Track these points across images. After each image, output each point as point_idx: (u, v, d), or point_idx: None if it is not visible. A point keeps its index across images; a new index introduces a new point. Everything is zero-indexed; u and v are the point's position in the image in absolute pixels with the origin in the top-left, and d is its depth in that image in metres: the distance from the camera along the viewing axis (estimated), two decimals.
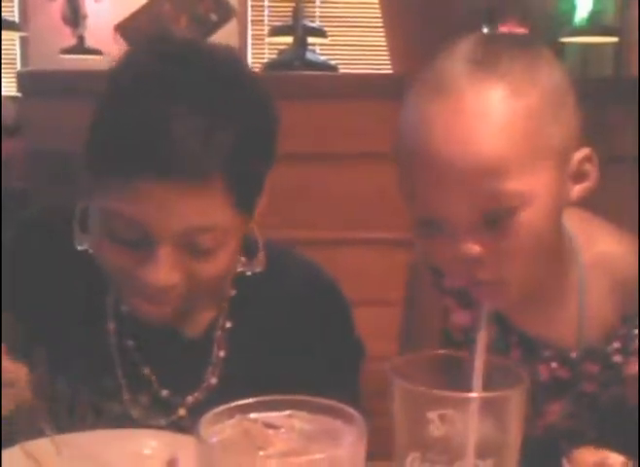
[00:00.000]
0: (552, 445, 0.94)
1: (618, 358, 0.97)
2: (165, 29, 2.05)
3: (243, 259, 0.99)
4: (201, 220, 0.85)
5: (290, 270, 1.05)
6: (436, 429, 0.67)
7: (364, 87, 1.83)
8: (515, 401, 0.69)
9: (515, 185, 0.81)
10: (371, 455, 0.93)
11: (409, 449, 0.68)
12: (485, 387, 0.71)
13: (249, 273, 0.99)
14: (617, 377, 0.98)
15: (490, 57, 0.83)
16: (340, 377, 1.02)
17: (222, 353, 1.00)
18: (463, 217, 0.82)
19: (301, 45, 2.79)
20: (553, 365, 0.99)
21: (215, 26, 2.43)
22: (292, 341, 1.02)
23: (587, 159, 0.87)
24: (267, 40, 3.52)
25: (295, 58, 2.74)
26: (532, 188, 0.82)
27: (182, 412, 0.99)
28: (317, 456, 0.56)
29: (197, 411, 0.97)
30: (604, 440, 0.94)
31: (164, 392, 1.00)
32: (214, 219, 0.86)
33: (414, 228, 0.88)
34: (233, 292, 1.02)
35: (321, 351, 1.03)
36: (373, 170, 1.79)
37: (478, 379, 0.71)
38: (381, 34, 2.65)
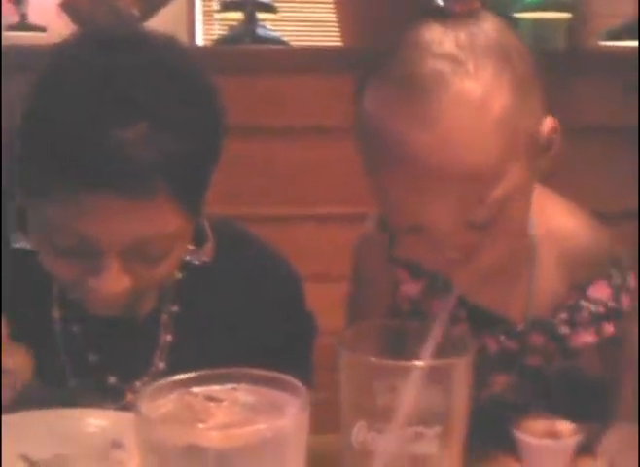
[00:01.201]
0: (498, 415, 0.95)
1: (564, 329, 0.97)
2: (110, 5, 2.00)
3: (191, 247, 0.96)
4: (149, 230, 0.82)
5: (238, 251, 1.03)
6: (382, 398, 0.67)
7: (314, 60, 1.81)
8: (461, 369, 0.69)
9: (500, 189, 0.79)
10: (322, 429, 0.93)
11: (356, 418, 0.68)
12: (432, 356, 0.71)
13: (197, 262, 0.97)
14: (563, 348, 0.99)
15: (462, 53, 0.79)
16: (293, 354, 1.01)
17: (169, 337, 0.99)
18: (446, 225, 0.80)
19: (250, 20, 2.76)
20: (502, 337, 0.99)
21: (163, 1, 2.38)
22: (242, 323, 1.00)
23: (554, 129, 0.85)
24: (218, 16, 3.46)
25: (245, 34, 2.71)
26: (514, 183, 0.80)
27: (130, 397, 0.97)
28: (259, 427, 0.55)
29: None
30: (549, 410, 0.96)
31: (112, 378, 0.97)
32: (162, 227, 0.82)
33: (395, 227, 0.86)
34: (180, 276, 0.99)
35: (273, 330, 1.01)
36: (324, 145, 1.79)
37: (427, 350, 0.71)
38: (332, 9, 2.63)
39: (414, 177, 0.78)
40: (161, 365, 0.98)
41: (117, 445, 0.76)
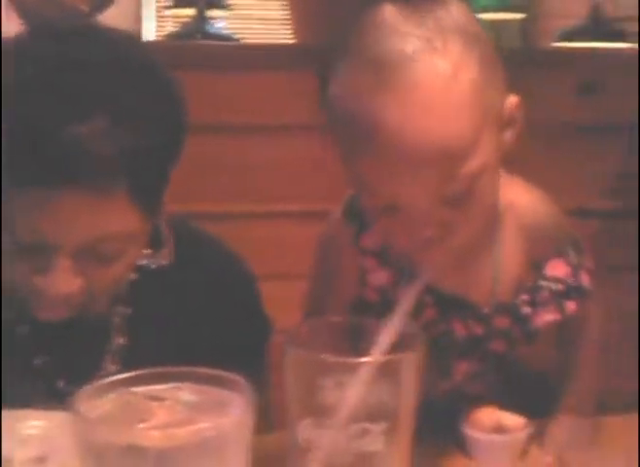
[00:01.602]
0: (453, 409, 0.95)
1: (526, 310, 0.98)
2: (58, 0, 1.95)
3: (148, 251, 0.94)
4: (104, 229, 0.79)
5: (192, 251, 1.01)
6: (328, 395, 0.66)
7: (268, 57, 1.80)
8: (409, 365, 0.68)
9: (474, 163, 0.80)
10: (273, 428, 0.92)
11: (302, 416, 0.67)
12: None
13: (153, 266, 0.95)
14: (526, 331, 1.00)
15: (428, 32, 0.80)
16: (248, 354, 0.99)
17: (121, 340, 0.96)
18: (421, 202, 0.80)
19: (202, 17, 2.75)
20: (469, 322, 0.99)
21: None
22: (196, 324, 0.98)
23: (517, 106, 0.87)
24: (169, 12, 3.42)
25: (196, 31, 2.70)
26: (485, 157, 0.81)
27: None
28: (200, 426, 0.54)
29: None
30: (505, 402, 0.96)
31: (60, 382, 0.94)
32: (118, 226, 0.80)
33: (371, 206, 0.86)
34: (133, 277, 0.96)
35: (227, 331, 1.00)
36: (280, 142, 1.78)
37: (383, 342, 0.70)
38: (285, 7, 2.62)
39: (389, 156, 0.78)
40: (113, 368, 0.95)
41: (41, 460, 0.74)
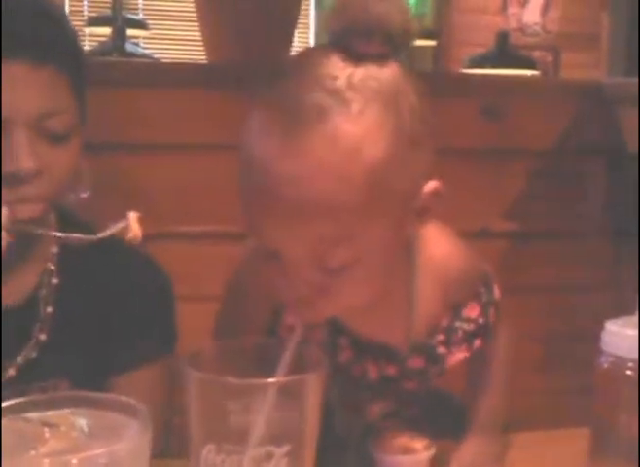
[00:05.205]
0: (367, 441, 0.95)
1: (441, 350, 0.98)
2: None
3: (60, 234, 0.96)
4: (48, 102, 0.89)
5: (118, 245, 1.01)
6: (231, 419, 0.65)
7: (180, 76, 1.79)
8: (312, 385, 0.68)
9: (357, 242, 0.75)
10: (178, 453, 0.90)
11: (205, 441, 0.66)
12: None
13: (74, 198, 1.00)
14: (439, 370, 1.00)
15: (350, 93, 0.74)
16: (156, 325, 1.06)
17: (49, 309, 1.00)
18: (297, 257, 0.76)
19: (119, 36, 2.72)
20: (383, 364, 0.98)
21: None
22: (112, 306, 1.03)
23: (435, 193, 0.80)
24: (86, 30, 3.39)
25: (113, 49, 2.67)
26: (373, 240, 0.76)
27: (11, 371, 0.97)
28: (94, 452, 0.52)
29: (28, 369, 0.96)
30: (414, 426, 0.97)
31: None
32: (61, 103, 0.91)
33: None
34: (56, 249, 1.02)
35: (135, 326, 1.04)
36: (195, 161, 1.76)
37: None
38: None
39: (273, 204, 0.75)
40: (42, 336, 0.99)
41: None
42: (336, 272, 0.77)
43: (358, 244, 0.75)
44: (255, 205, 0.77)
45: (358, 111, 0.73)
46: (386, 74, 0.77)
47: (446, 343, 0.98)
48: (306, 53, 0.84)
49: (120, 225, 0.89)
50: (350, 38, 0.76)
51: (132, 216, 0.89)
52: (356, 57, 0.76)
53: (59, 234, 0.94)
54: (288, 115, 0.74)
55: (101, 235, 0.89)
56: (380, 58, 0.77)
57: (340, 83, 0.74)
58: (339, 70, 0.75)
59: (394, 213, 0.77)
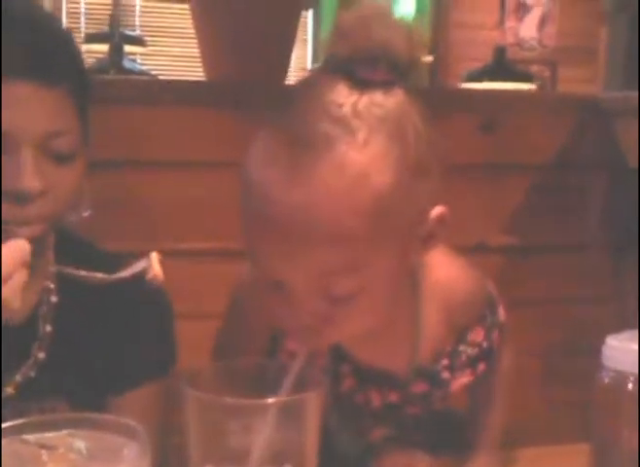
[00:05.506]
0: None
1: (446, 375, 0.97)
2: None
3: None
4: (54, 123, 0.90)
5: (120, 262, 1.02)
6: (230, 439, 0.65)
7: (181, 93, 1.79)
8: (312, 404, 0.68)
9: (362, 272, 0.74)
10: None
11: (204, 461, 0.66)
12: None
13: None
14: (443, 394, 0.99)
15: (355, 121, 0.73)
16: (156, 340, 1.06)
17: (48, 328, 1.00)
18: (301, 287, 0.75)
19: (117, 52, 2.73)
20: (385, 390, 0.97)
21: None
22: (111, 326, 1.03)
23: (440, 219, 0.79)
24: (84, 47, 3.39)
25: (111, 66, 2.68)
26: (378, 270, 0.76)
27: (10, 390, 0.97)
28: None
29: (27, 388, 0.96)
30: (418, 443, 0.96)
31: None
32: (66, 123, 0.91)
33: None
34: (55, 268, 1.01)
35: (135, 346, 1.04)
36: (196, 179, 1.76)
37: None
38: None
39: (278, 233, 0.74)
40: (41, 355, 0.99)
41: None
42: (341, 302, 0.76)
43: (363, 273, 0.75)
44: (259, 235, 0.76)
45: (364, 140, 0.73)
46: (391, 101, 0.76)
47: (451, 368, 0.97)
48: (311, 80, 0.83)
49: (141, 264, 0.87)
50: (354, 65, 0.75)
51: (154, 256, 0.87)
52: (361, 85, 0.75)
53: (100, 276, 0.90)
54: (295, 143, 0.73)
55: (124, 275, 0.87)
56: (386, 85, 0.76)
57: (346, 110, 0.74)
58: (344, 97, 0.75)
59: (400, 241, 0.77)
